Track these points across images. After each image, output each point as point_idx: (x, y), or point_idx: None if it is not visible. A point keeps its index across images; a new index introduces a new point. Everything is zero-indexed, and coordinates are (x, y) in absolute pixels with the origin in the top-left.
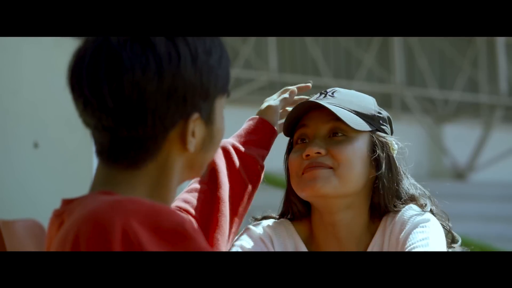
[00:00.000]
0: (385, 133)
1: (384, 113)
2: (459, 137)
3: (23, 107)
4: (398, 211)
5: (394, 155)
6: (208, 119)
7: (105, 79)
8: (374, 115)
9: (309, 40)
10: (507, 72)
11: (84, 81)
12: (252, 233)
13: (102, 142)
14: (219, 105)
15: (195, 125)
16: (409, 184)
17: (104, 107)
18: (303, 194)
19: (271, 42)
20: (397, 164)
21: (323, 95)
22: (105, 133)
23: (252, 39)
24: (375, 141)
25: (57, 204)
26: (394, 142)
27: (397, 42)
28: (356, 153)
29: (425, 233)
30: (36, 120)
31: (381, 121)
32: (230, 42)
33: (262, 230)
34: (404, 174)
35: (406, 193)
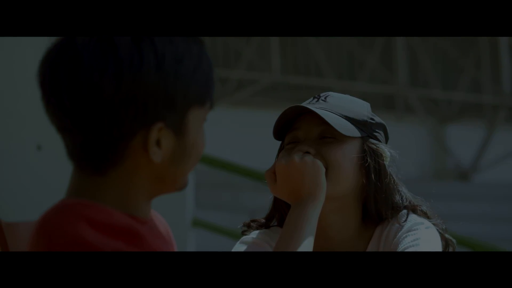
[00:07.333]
0: (378, 140)
1: (378, 119)
2: (463, 138)
3: (26, 109)
4: (393, 218)
5: (386, 163)
6: (179, 130)
7: (64, 78)
8: (366, 121)
9: (312, 41)
10: (511, 72)
11: (47, 79)
12: (253, 241)
13: (68, 144)
14: (194, 116)
15: (161, 135)
16: (402, 193)
17: (62, 107)
18: None
19: (274, 43)
20: (388, 173)
21: (316, 99)
22: (67, 134)
23: (255, 41)
24: (365, 148)
25: None
26: (387, 150)
27: (400, 43)
28: (345, 156)
29: (416, 234)
30: (39, 123)
31: (373, 128)
32: (233, 44)
33: (260, 238)
34: (396, 183)
35: (399, 201)
